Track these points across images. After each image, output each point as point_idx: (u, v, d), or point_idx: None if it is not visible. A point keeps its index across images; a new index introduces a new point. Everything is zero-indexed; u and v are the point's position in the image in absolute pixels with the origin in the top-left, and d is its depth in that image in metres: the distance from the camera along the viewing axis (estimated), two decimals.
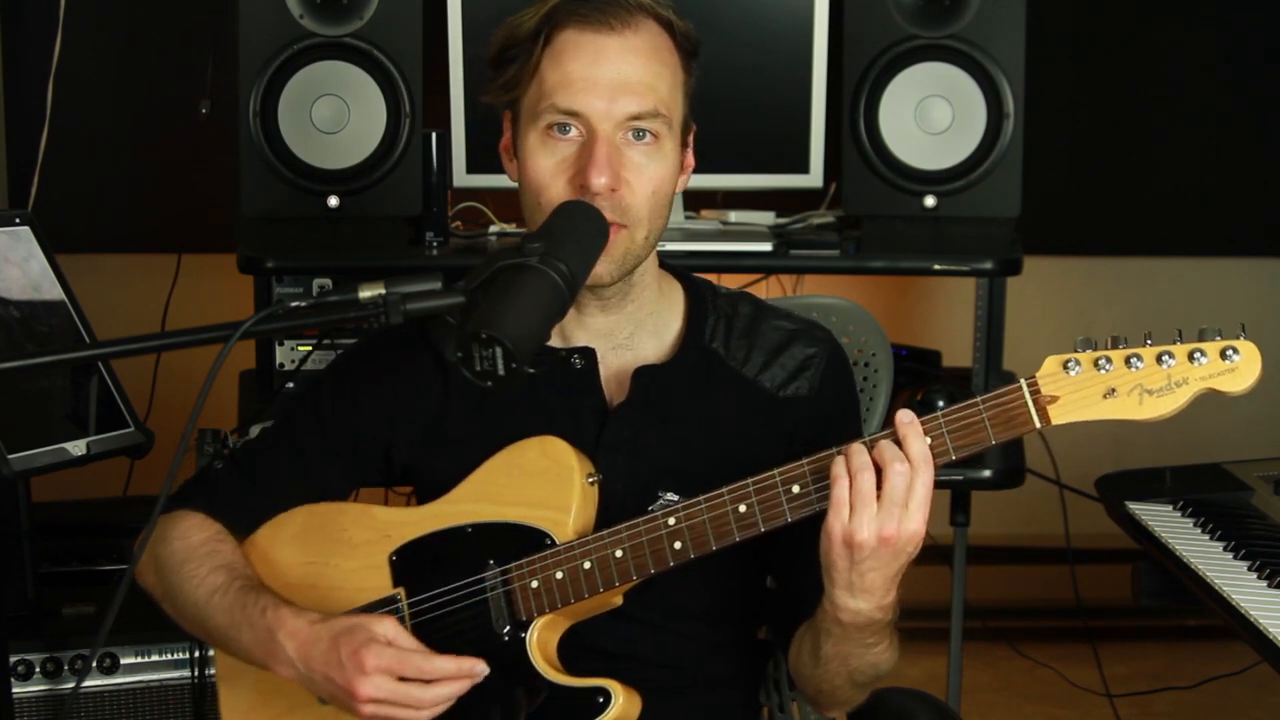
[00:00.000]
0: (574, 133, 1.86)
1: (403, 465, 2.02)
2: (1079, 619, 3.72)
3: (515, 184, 1.95)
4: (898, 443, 1.71)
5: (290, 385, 2.92)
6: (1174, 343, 1.71)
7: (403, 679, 1.77)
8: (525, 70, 1.88)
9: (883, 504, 1.69)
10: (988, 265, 3.01)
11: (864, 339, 2.30)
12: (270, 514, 2.00)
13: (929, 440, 1.72)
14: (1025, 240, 3.09)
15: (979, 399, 1.73)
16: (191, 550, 1.95)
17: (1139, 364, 1.70)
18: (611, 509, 1.88)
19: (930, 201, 3.03)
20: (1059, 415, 1.71)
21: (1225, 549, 2.17)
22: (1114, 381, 1.70)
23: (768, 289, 3.55)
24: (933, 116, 3.02)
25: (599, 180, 1.82)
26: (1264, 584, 2.05)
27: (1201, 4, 4.07)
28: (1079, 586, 3.49)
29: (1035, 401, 1.71)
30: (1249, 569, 2.10)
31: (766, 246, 3.06)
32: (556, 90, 1.85)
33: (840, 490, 1.70)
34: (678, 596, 1.92)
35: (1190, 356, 1.69)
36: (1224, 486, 2.40)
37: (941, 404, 2.93)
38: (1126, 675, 3.83)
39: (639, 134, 1.86)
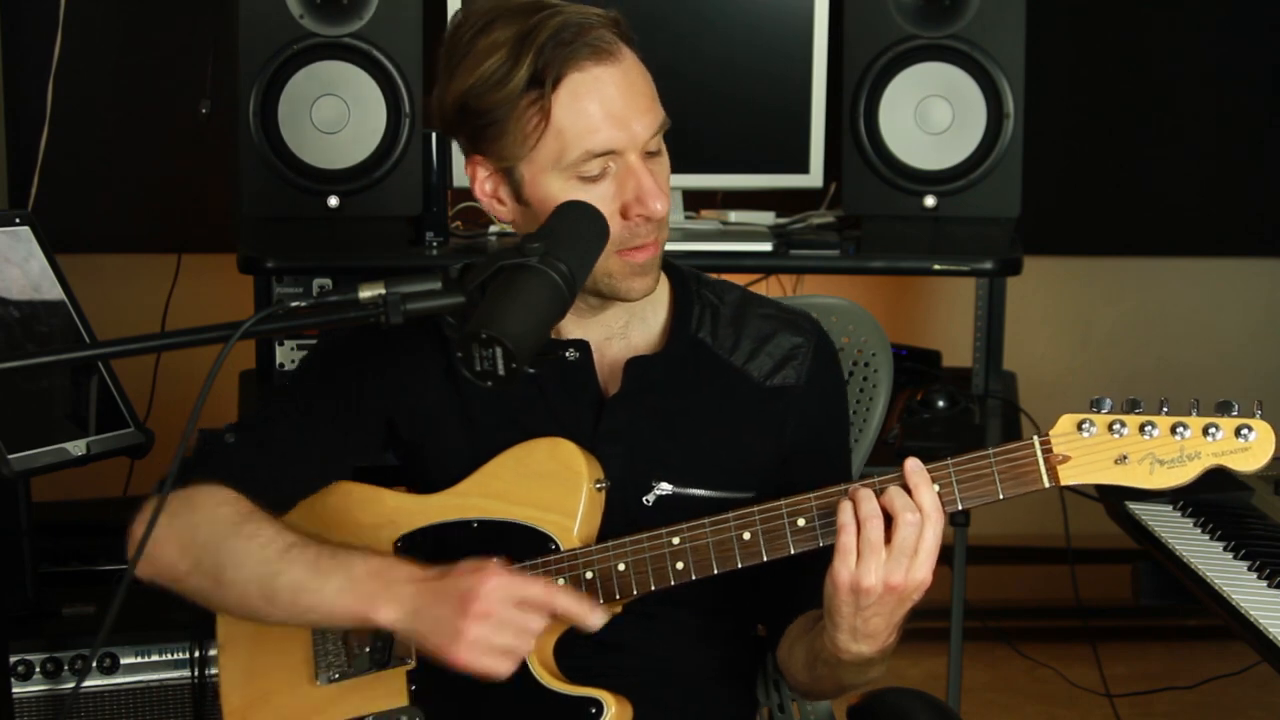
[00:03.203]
0: (601, 170, 1.84)
1: (405, 441, 1.99)
2: (1079, 619, 3.71)
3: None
4: (906, 490, 1.71)
5: None
6: (1190, 413, 1.70)
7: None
8: (530, 128, 1.82)
9: (892, 553, 1.69)
10: (988, 265, 3.01)
11: (864, 339, 2.29)
12: (286, 490, 1.95)
13: (936, 488, 1.72)
14: (1025, 240, 3.09)
15: (990, 451, 1.73)
16: (246, 515, 1.88)
17: (1153, 432, 1.69)
18: (609, 499, 1.89)
19: (930, 201, 3.03)
20: (1068, 476, 1.72)
21: (1225, 549, 2.17)
22: (1127, 448, 1.71)
23: (768, 289, 3.55)
24: (933, 116, 3.02)
25: (661, 206, 1.83)
26: (1264, 584, 2.06)
27: (1201, 4, 4.06)
28: (1079, 586, 3.48)
29: (1046, 460, 1.72)
30: (1249, 569, 2.10)
31: (766, 246, 3.06)
32: (585, 136, 1.81)
33: (848, 538, 1.70)
34: (671, 588, 1.91)
35: (1205, 431, 1.69)
36: (1224, 486, 2.39)
37: (941, 404, 2.98)
38: (1126, 675, 3.83)
39: (653, 149, 1.86)
